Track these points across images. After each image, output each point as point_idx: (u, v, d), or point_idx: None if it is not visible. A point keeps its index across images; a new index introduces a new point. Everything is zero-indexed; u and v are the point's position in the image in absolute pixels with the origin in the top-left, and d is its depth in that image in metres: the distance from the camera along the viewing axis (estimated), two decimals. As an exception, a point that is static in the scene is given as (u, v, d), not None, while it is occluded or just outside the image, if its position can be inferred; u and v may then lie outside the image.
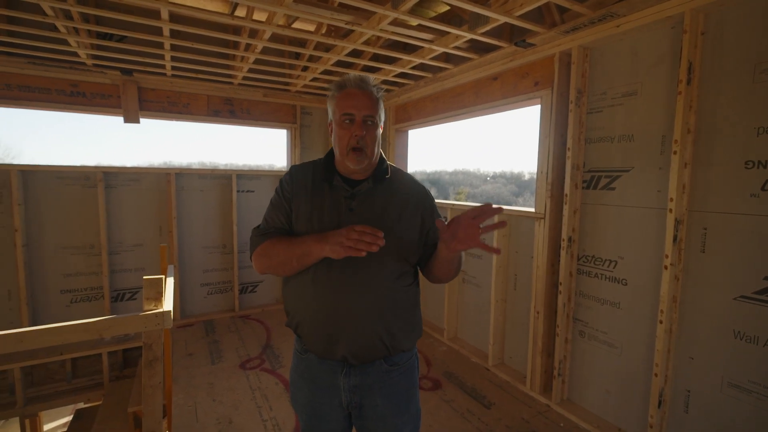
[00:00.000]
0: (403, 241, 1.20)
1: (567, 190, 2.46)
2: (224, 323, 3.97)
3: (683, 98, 1.89)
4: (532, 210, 2.73)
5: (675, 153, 1.93)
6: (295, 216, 1.23)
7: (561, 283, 2.52)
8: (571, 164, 2.43)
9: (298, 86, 3.96)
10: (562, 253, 2.51)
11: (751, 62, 1.73)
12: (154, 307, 1.31)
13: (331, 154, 1.28)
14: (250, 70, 3.49)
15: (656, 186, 2.08)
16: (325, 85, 3.87)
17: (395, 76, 3.51)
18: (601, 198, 2.36)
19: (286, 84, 3.99)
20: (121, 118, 3.63)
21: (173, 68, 3.42)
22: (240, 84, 3.93)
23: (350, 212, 1.19)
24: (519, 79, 2.80)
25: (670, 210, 1.96)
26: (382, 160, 1.28)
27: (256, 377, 2.91)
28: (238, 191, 4.19)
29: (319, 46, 3.00)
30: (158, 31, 2.69)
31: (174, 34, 2.78)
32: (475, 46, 2.80)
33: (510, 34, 2.64)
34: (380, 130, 1.24)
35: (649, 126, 2.10)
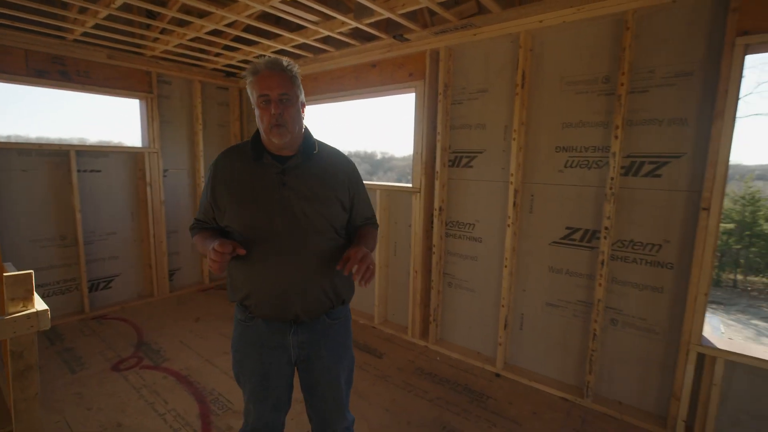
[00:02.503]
0: (336, 210, 1.36)
1: (438, 167, 2.96)
2: (73, 328, 3.36)
3: (519, 98, 2.52)
4: (410, 185, 3.17)
5: (514, 139, 2.57)
6: (226, 201, 1.31)
7: (434, 245, 3.05)
8: (440, 146, 2.93)
9: (157, 51, 3.49)
10: (435, 220, 3.03)
11: (560, 76, 2.43)
12: (23, 308, 1.16)
13: (256, 136, 1.35)
14: (96, 26, 2.93)
15: (501, 164, 2.72)
16: (193, 54, 3.52)
17: (273, 52, 3.45)
18: (463, 174, 2.92)
19: (140, 47, 3.46)
20: None
21: (-27, 9, 2.61)
22: (76, 40, 3.23)
23: (284, 186, 1.29)
24: (396, 68, 3.15)
25: (511, 182, 2.61)
26: (309, 135, 1.38)
27: (137, 376, 2.64)
28: (79, 171, 3.50)
29: (192, 11, 2.74)
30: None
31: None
32: (358, 34, 3.02)
33: (386, 27, 2.94)
34: (300, 106, 1.33)
35: (496, 118, 2.72)
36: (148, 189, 3.93)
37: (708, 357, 2.06)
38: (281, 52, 3.50)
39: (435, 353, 3.04)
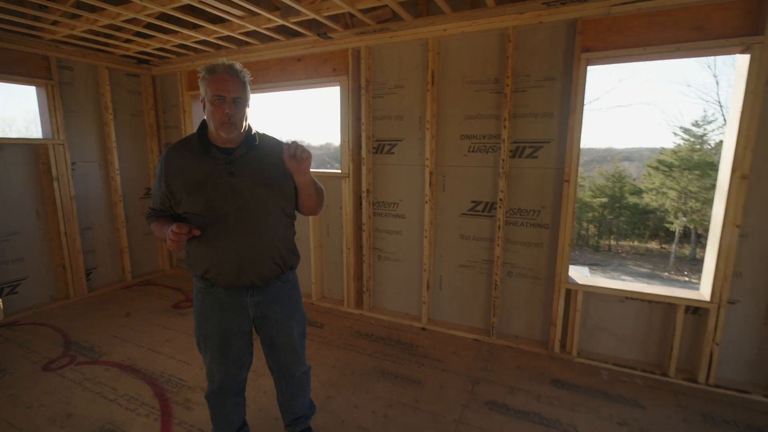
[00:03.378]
0: (280, 192, 1.57)
1: (364, 154, 3.32)
2: (-21, 338, 3.08)
3: (430, 94, 2.98)
4: (339, 171, 3.49)
5: (427, 129, 3.03)
6: (181, 191, 1.47)
7: (364, 224, 3.43)
8: (365, 135, 3.29)
9: (59, 35, 3.25)
10: (363, 202, 3.40)
11: (462, 76, 2.94)
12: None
13: (202, 129, 1.52)
14: (-13, 7, 2.68)
15: (418, 150, 3.17)
16: (99, 39, 3.35)
17: (196, 42, 3.45)
18: (386, 159, 3.33)
19: (35, 29, 3.20)
20: None
21: None
22: (-42, 20, 2.89)
23: (231, 175, 1.49)
24: (320, 63, 3.40)
25: (427, 166, 3.08)
26: (250, 129, 1.56)
27: (75, 373, 2.61)
28: (-30, 166, 3.15)
29: (108, -2, 2.68)
30: None
31: None
32: (283, 30, 3.20)
33: (310, 25, 3.17)
34: (248, 107, 1.53)
35: (412, 110, 3.15)
36: (55, 184, 3.66)
37: (572, 291, 2.77)
38: (204, 42, 3.52)
39: (370, 318, 3.45)
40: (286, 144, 1.44)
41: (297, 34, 3.23)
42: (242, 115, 1.48)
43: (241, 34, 3.18)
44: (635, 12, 2.38)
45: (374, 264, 3.53)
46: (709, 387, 2.44)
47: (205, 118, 1.49)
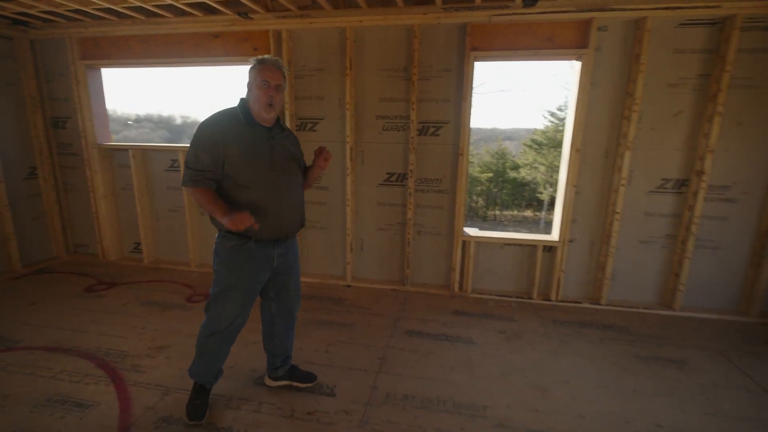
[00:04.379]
0: (299, 167, 1.99)
1: (288, 131, 3.57)
2: None
3: (349, 78, 3.35)
4: (264, 147, 3.68)
5: (347, 110, 3.42)
6: (235, 159, 1.72)
7: (290, 197, 3.71)
8: (289, 114, 3.53)
9: None
10: (289, 176, 3.68)
11: (376, 63, 3.36)
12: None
13: (244, 108, 1.79)
14: None
15: (339, 128, 3.55)
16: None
17: (98, 9, 3.24)
18: (309, 137, 3.63)
19: None
20: None
21: None
22: None
23: (272, 149, 1.82)
24: (240, 42, 3.50)
25: (347, 142, 3.48)
26: (278, 117, 1.90)
27: (-7, 359, 2.49)
28: None
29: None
30: None
31: None
32: (201, 6, 3.22)
33: (227, 3, 3.25)
34: (284, 96, 1.89)
35: (332, 92, 3.49)
36: None
37: (467, 243, 3.51)
38: (108, 11, 3.32)
39: (308, 283, 3.79)
40: (320, 147, 1.98)
41: (215, 11, 3.28)
42: (280, 101, 1.80)
43: (154, 6, 3.12)
44: (508, 22, 3.06)
45: (303, 233, 3.86)
46: (558, 302, 3.41)
47: (249, 100, 1.78)
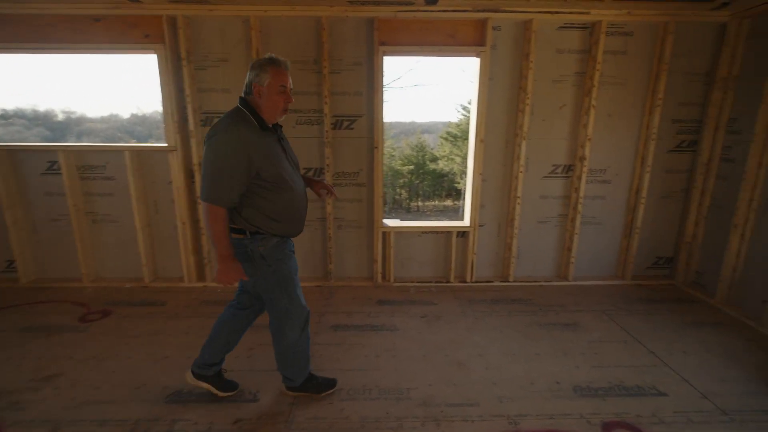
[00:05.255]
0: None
1: (191, 127, 3.31)
2: None
3: (256, 69, 3.20)
4: (165, 144, 3.36)
5: (257, 103, 3.26)
6: (265, 164, 1.69)
7: (198, 196, 3.45)
8: (191, 108, 3.27)
9: None
10: (196, 175, 3.41)
11: (285, 54, 3.24)
12: None
13: (253, 111, 1.72)
14: None
15: (249, 123, 3.37)
16: None
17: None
18: (217, 132, 3.40)
19: None
20: None
21: None
22: None
23: (283, 150, 1.83)
24: (128, 27, 3.14)
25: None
26: None
27: None
28: None
29: None
30: None
31: None
32: (74, -16, 2.81)
33: (111, -18, 2.90)
34: None
35: (238, 84, 3.30)
36: None
37: (387, 233, 3.59)
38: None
39: (215, 288, 3.57)
40: (326, 184, 2.12)
41: (93, -9, 2.89)
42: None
43: (10, -20, 2.65)
44: (412, 18, 3.17)
45: (214, 235, 3.61)
46: (473, 283, 3.67)
47: (262, 103, 1.72)
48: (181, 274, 3.66)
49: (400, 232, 3.61)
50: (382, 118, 3.33)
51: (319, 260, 3.69)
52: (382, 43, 3.22)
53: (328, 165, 3.40)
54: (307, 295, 3.41)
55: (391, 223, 3.68)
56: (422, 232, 3.67)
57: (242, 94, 1.77)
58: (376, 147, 3.38)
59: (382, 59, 3.23)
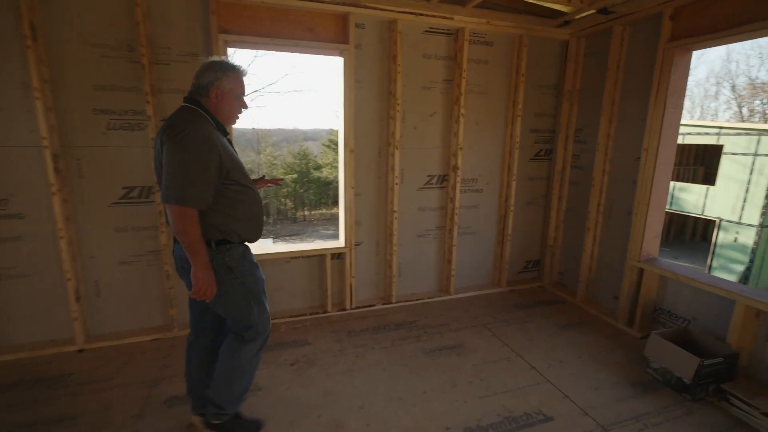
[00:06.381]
0: None
1: None
2: None
3: (33, 52, 2.26)
4: None
5: (37, 99, 2.31)
6: (231, 165, 1.61)
7: (-54, 236, 2.31)
8: None
9: None
10: (-63, 203, 2.28)
11: (80, 34, 2.38)
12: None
13: (209, 114, 1.61)
14: None
15: (28, 126, 2.38)
16: None
17: None
18: (-28, 140, 2.33)
19: None
20: None
21: None
22: None
23: (236, 154, 1.71)
24: None
25: (46, 146, 2.38)
26: None
27: None
28: None
29: None
30: None
31: None
32: None
33: None
34: None
35: (5, 72, 2.31)
36: None
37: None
38: None
39: (0, 365, 2.45)
40: (267, 179, 2.03)
41: None
42: None
43: None
44: (260, 4, 2.63)
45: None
46: (353, 310, 3.26)
47: (219, 107, 1.64)
48: None
49: (263, 260, 3.00)
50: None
51: (156, 305, 2.85)
52: (224, 31, 2.60)
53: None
54: (136, 356, 2.57)
55: (257, 246, 3.03)
56: (291, 258, 3.12)
57: (192, 95, 1.63)
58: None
59: (224, 50, 2.61)
